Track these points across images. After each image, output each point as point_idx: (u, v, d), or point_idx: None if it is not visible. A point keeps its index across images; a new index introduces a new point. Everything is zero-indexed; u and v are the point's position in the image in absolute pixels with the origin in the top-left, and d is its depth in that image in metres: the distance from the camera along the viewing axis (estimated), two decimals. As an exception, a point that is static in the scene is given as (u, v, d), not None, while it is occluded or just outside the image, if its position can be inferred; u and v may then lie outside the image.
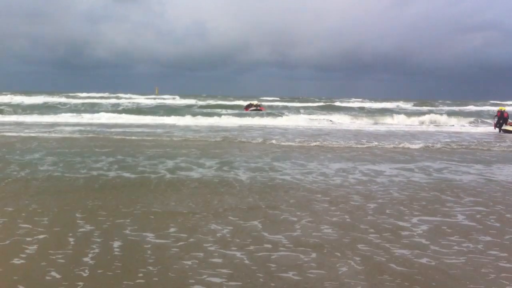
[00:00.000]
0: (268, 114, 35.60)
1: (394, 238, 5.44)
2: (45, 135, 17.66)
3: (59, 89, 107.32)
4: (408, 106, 58.84)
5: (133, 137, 17.05)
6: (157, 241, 5.24)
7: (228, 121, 28.64)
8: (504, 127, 24.14)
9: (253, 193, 7.79)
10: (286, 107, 48.05)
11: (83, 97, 59.69)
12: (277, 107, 48.62)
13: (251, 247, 5.00)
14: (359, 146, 15.47)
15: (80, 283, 3.99)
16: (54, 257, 4.66)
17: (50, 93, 71.97)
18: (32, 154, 11.92)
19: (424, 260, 4.70)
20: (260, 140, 16.69)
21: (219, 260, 4.60)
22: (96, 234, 5.41)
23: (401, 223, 6.07)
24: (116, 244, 5.11)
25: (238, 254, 4.80)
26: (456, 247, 5.13)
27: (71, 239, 5.24)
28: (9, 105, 40.85)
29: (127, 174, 9.31)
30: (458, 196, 7.85)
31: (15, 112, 34.23)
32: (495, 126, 24.70)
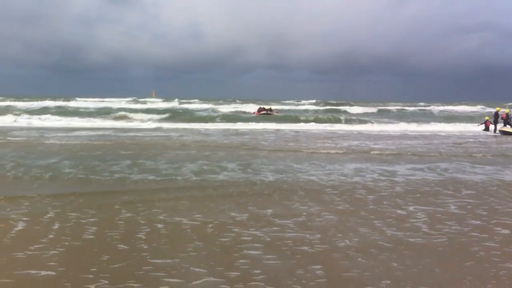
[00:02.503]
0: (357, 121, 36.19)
1: (391, 222, 6.69)
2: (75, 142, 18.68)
3: (55, 93, 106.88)
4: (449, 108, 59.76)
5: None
6: (191, 223, 6.45)
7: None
8: (502, 128, 25.38)
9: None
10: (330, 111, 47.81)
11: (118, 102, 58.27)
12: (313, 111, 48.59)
13: (266, 229, 6.28)
14: None
15: (145, 253, 5.21)
16: (111, 234, 5.88)
17: (54, 97, 70.25)
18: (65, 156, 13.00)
19: (414, 239, 5.94)
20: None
21: (249, 238, 5.82)
22: (140, 218, 6.61)
23: (399, 211, 7.33)
24: (160, 225, 6.32)
25: (258, 233, 6.06)
26: (445, 230, 6.38)
27: (119, 222, 6.44)
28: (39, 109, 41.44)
29: (154, 176, 10.47)
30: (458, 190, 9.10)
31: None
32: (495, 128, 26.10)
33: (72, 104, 49.83)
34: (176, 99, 67.16)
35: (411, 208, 7.54)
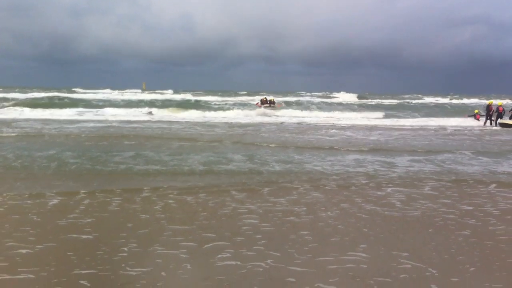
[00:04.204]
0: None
1: (371, 200, 7.89)
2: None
3: (45, 85, 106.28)
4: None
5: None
6: (195, 200, 7.68)
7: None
8: (502, 120, 26.24)
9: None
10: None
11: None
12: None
13: (259, 204, 7.53)
14: None
15: (163, 221, 6.40)
16: (134, 207, 7.08)
17: (47, 89, 69.30)
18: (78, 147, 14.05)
19: (389, 213, 7.13)
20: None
21: (245, 211, 7.03)
22: (154, 197, 7.76)
23: (379, 192, 8.49)
24: (170, 201, 7.55)
25: (252, 207, 7.31)
26: (417, 206, 7.56)
27: (138, 198, 7.61)
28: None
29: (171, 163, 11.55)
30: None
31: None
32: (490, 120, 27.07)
33: (74, 96, 50.41)
34: (188, 93, 66.97)
35: (389, 190, 8.72)
